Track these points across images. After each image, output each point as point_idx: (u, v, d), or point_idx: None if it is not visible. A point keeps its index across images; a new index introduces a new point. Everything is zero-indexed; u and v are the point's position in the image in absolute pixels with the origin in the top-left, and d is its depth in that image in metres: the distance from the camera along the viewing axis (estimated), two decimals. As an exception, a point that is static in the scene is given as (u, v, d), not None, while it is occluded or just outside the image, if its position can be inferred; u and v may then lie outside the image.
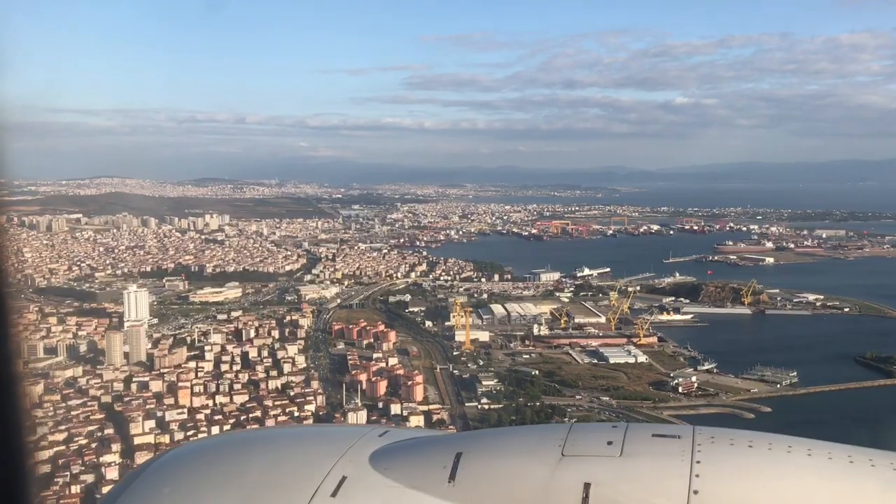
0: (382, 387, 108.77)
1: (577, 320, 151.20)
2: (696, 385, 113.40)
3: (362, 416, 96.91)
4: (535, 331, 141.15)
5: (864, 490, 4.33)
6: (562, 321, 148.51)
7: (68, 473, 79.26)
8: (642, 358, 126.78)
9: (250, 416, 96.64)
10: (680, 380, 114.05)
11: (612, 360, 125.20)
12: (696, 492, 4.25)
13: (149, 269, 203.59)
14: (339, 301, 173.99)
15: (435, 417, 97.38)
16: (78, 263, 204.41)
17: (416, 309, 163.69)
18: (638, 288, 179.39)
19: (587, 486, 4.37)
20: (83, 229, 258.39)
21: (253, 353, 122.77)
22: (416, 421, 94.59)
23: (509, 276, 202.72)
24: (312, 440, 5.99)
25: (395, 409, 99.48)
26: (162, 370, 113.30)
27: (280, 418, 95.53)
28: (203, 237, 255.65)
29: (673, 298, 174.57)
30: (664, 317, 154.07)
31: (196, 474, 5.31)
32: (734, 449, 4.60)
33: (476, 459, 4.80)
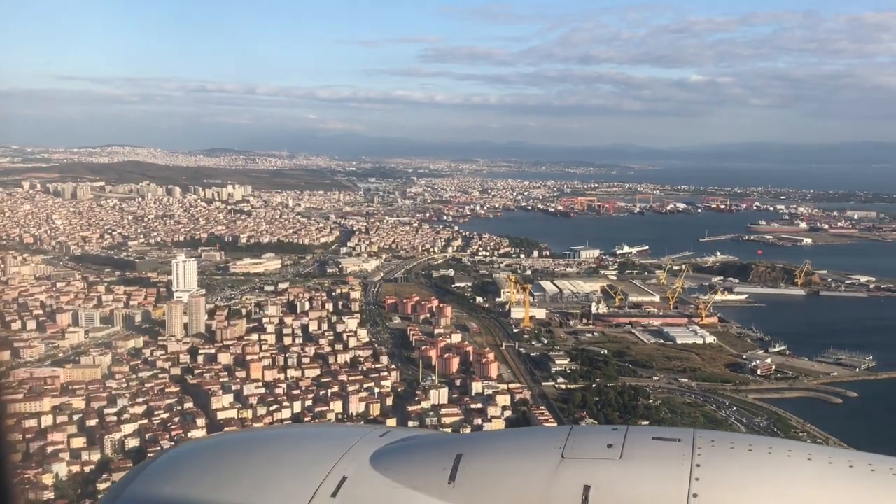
0: (455, 364, 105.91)
1: (631, 299, 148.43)
2: (773, 367, 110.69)
3: (443, 393, 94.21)
4: (594, 309, 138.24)
5: (862, 495, 4.30)
6: (616, 299, 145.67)
7: (159, 448, 76.50)
8: (710, 338, 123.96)
9: (329, 391, 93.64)
10: (757, 362, 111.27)
11: (679, 341, 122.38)
12: (695, 495, 4.21)
13: (181, 238, 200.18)
14: (381, 275, 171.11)
15: (518, 397, 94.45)
16: (109, 232, 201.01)
17: (462, 284, 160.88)
18: (683, 266, 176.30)
19: (587, 488, 4.34)
20: (107, 197, 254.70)
21: (313, 327, 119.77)
22: (503, 401, 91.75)
23: (547, 253, 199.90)
24: (313, 440, 5.96)
25: (477, 387, 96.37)
26: (225, 342, 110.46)
27: (361, 395, 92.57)
28: (229, 207, 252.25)
29: (721, 278, 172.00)
30: (719, 296, 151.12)
31: (197, 473, 5.22)
32: (734, 453, 4.57)
33: (476, 461, 4.78)
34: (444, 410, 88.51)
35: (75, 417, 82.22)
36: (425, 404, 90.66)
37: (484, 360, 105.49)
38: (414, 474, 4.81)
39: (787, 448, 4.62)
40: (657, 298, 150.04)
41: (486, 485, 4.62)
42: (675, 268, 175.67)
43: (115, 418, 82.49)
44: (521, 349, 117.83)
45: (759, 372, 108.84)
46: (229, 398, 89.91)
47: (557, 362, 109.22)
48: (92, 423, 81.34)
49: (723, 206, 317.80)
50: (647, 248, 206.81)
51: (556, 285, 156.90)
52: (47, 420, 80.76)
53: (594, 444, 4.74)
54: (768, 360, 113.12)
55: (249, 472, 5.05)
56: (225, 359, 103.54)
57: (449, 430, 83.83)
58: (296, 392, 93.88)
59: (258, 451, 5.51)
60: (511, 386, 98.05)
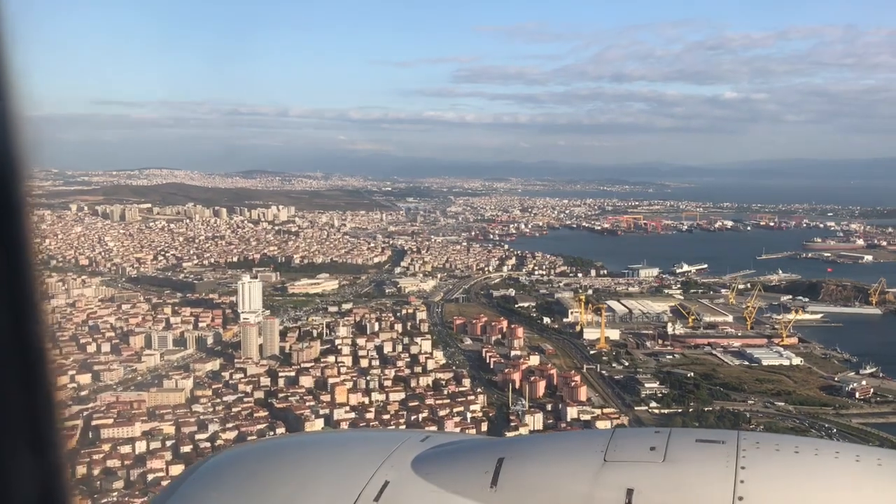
0: (541, 387, 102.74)
1: (704, 319, 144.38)
2: (871, 390, 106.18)
3: (538, 418, 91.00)
4: (670, 329, 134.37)
5: None
6: (690, 319, 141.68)
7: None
8: (796, 360, 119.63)
9: (420, 416, 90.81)
10: (854, 384, 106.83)
11: (764, 362, 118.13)
12: (740, 498, 4.14)
13: (235, 259, 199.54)
14: (441, 294, 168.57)
15: (615, 422, 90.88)
16: (163, 253, 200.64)
17: (525, 304, 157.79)
18: (752, 284, 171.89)
19: (630, 491, 4.31)
20: (155, 219, 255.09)
21: (387, 348, 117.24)
22: (603, 426, 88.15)
23: (605, 272, 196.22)
24: (355, 445, 5.99)
25: (572, 412, 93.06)
26: (302, 364, 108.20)
27: (454, 419, 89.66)
28: (276, 228, 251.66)
29: (790, 297, 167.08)
30: (796, 315, 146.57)
31: (241, 479, 5.29)
32: (780, 455, 4.48)
33: (518, 465, 4.76)
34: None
35: (168, 443, 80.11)
36: (522, 430, 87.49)
37: (572, 384, 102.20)
38: (456, 479, 4.73)
39: (835, 450, 4.50)
40: (730, 318, 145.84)
41: (528, 489, 4.53)
42: (741, 286, 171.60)
43: (208, 444, 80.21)
44: (604, 372, 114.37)
45: (857, 395, 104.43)
46: (320, 423, 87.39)
47: (647, 385, 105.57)
48: (186, 448, 79.11)
49: (772, 224, 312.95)
50: (706, 266, 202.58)
51: (624, 305, 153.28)
52: (141, 446, 78.69)
53: (637, 446, 4.62)
54: (864, 383, 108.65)
55: (292, 478, 5.04)
56: (306, 382, 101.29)
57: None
58: (385, 416, 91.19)
59: (301, 457, 5.52)
60: (605, 410, 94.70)
